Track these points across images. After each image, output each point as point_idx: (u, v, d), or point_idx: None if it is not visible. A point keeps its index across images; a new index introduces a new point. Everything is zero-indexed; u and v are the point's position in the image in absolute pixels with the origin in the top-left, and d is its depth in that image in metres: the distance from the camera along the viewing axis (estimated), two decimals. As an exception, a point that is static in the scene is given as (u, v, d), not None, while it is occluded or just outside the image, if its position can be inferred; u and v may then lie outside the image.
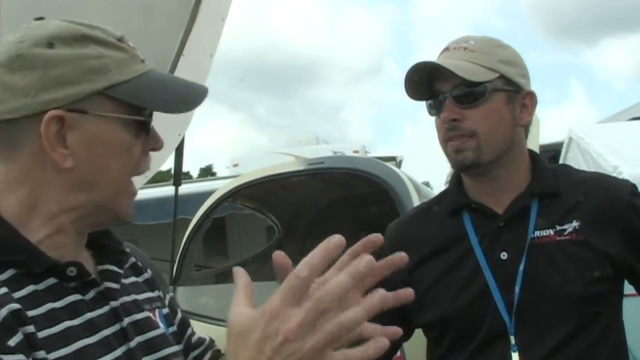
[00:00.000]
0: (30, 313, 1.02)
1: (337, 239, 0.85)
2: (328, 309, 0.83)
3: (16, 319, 0.99)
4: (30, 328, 1.00)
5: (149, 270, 1.37)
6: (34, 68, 1.09)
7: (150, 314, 1.27)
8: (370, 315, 0.86)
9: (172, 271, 4.40)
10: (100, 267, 1.22)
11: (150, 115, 1.20)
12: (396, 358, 2.96)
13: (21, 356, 0.96)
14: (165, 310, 1.34)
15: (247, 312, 0.88)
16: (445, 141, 1.78)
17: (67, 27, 1.15)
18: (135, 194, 1.22)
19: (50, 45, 1.11)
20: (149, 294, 1.32)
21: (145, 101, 1.17)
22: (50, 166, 1.11)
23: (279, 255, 1.00)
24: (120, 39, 1.19)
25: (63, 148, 1.11)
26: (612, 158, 5.57)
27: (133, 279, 1.31)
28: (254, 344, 0.84)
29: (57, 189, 1.13)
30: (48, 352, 1.01)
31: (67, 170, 1.11)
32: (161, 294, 1.37)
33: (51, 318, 1.05)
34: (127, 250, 1.32)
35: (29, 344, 0.99)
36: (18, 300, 1.01)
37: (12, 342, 0.96)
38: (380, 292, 0.90)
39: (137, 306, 1.25)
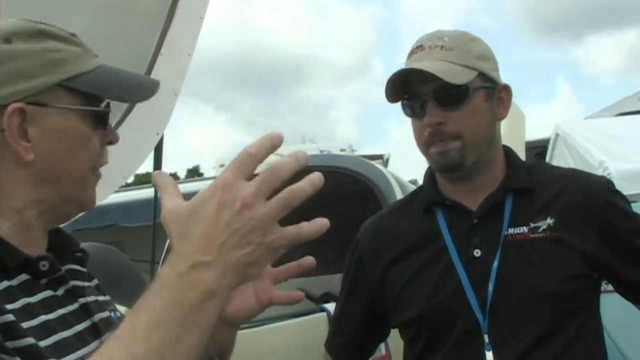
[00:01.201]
0: (7, 307, 1.01)
1: (278, 134, 0.89)
2: (277, 182, 0.86)
3: None
4: (10, 317, 0.99)
5: (95, 280, 1.37)
6: None
7: (111, 314, 1.28)
8: (313, 188, 0.89)
9: (155, 273, 4.35)
10: (64, 267, 1.21)
11: (108, 106, 1.22)
12: (382, 357, 2.93)
13: None
14: (119, 314, 1.34)
15: (187, 202, 0.90)
16: (426, 144, 1.75)
17: (23, 24, 1.16)
18: (99, 177, 1.24)
19: (7, 41, 1.12)
20: (104, 298, 1.33)
21: (103, 91, 1.19)
22: (12, 160, 1.12)
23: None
24: (73, 35, 1.21)
25: (25, 141, 1.12)
26: (598, 154, 5.58)
27: (87, 283, 1.31)
28: (210, 215, 0.85)
29: (20, 183, 1.13)
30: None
31: (29, 163, 1.12)
32: (111, 299, 1.37)
33: (28, 312, 1.05)
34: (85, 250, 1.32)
35: (6, 332, 0.98)
36: None
37: None
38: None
39: (99, 306, 1.26)
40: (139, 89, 1.28)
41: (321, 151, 8.83)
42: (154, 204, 4.23)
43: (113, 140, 1.26)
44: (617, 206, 1.75)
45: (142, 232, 6.90)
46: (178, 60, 3.08)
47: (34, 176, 1.14)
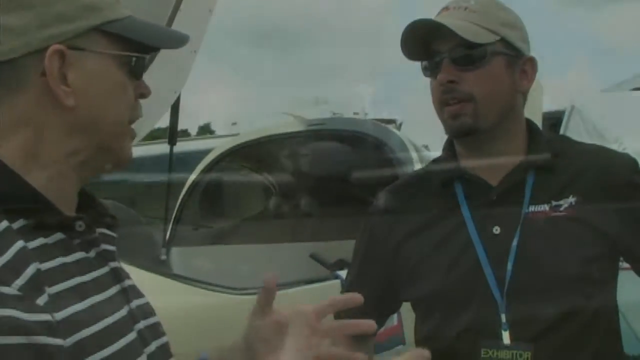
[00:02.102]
0: (44, 266, 1.01)
1: None
2: None
3: (42, 278, 0.99)
4: (48, 289, 0.99)
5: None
6: (31, 7, 1.10)
7: (134, 283, 1.26)
8: None
9: (167, 231, 4.35)
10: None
11: (146, 53, 1.22)
12: (393, 327, 2.92)
13: (48, 316, 0.96)
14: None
15: None
16: (440, 105, 1.71)
17: None
18: (135, 136, 1.23)
19: None
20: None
21: (140, 36, 1.19)
22: (52, 106, 1.11)
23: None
24: None
25: (65, 86, 1.10)
26: (614, 128, 5.54)
27: (115, 248, 1.28)
28: None
29: (58, 130, 1.12)
30: (59, 310, 0.99)
31: (70, 109, 1.11)
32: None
33: (63, 272, 1.05)
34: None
35: (51, 305, 0.98)
36: (32, 252, 1.01)
37: (40, 300, 0.97)
38: None
39: (125, 274, 1.24)
40: (171, 38, 1.30)
41: (334, 114, 8.77)
42: (170, 160, 4.21)
43: (145, 92, 1.24)
44: None
45: (154, 189, 6.90)
46: (198, 16, 3.03)
47: (73, 123, 1.13)
